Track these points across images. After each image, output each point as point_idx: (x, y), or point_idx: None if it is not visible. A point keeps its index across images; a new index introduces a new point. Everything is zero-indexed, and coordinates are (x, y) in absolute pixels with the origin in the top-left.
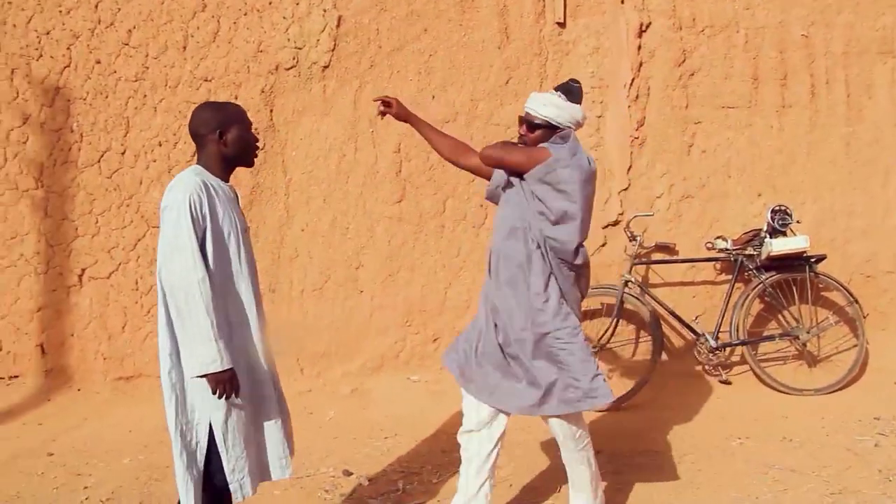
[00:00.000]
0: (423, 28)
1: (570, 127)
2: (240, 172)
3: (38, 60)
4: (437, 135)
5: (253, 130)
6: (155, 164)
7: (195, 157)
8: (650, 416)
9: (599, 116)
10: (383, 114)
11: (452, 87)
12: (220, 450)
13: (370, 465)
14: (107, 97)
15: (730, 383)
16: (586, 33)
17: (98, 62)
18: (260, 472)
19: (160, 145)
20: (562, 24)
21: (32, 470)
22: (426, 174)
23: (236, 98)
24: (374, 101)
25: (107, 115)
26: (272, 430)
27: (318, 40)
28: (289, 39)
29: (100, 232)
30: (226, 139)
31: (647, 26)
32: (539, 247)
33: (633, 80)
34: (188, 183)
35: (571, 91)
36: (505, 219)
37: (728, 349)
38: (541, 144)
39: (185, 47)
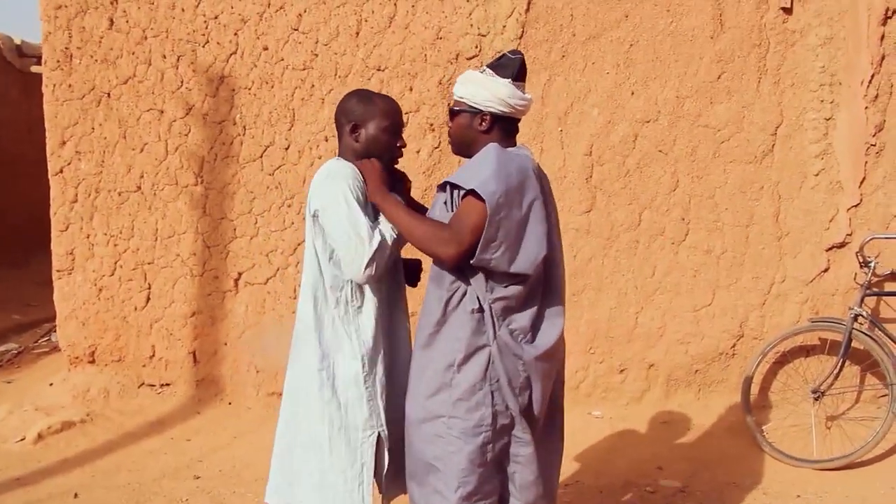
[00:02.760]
0: (624, 13)
1: (493, 110)
2: (410, 171)
3: (204, 47)
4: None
5: (401, 134)
6: (320, 160)
7: None
8: (885, 480)
9: (829, 119)
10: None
11: (655, 81)
12: (383, 464)
13: None
14: (272, 87)
15: None
16: (817, 21)
17: (265, 49)
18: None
19: (326, 140)
20: (788, 10)
21: (177, 495)
22: (621, 181)
23: (411, 90)
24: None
25: (271, 107)
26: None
27: (505, 26)
28: (471, 25)
29: (259, 233)
30: (358, 134)
31: (895, 12)
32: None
33: (872, 76)
34: (341, 171)
35: (503, 65)
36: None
37: None
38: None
39: (357, 33)
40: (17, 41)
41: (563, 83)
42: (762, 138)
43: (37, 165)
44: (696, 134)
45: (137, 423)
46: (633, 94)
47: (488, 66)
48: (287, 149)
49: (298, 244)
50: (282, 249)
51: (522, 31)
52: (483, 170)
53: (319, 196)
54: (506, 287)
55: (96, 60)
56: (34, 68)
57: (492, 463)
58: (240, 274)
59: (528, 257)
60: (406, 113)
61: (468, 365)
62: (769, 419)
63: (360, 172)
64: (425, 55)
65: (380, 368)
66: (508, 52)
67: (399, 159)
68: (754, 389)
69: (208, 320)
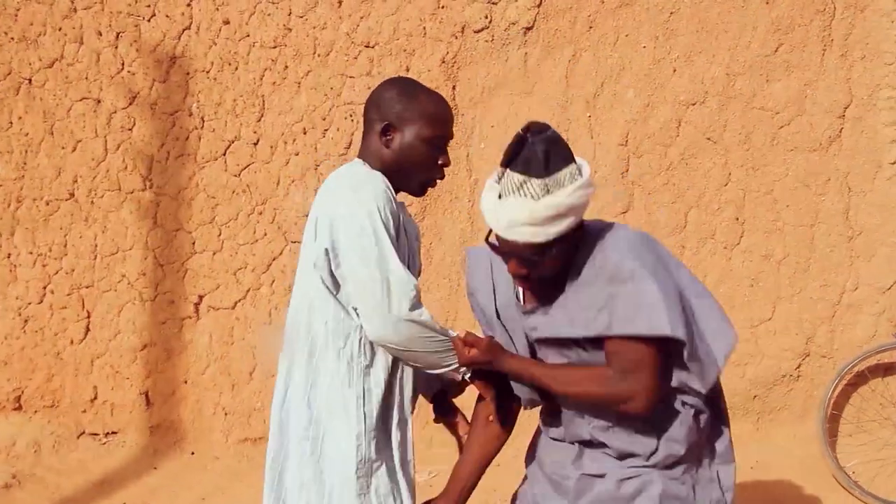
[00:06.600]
0: None
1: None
2: None
3: (149, 21)
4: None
5: (447, 148)
6: (297, 157)
7: (349, 149)
8: None
9: None
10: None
11: (701, 56)
12: None
13: None
14: (236, 69)
15: None
16: None
17: (226, 22)
18: None
19: (305, 133)
20: None
21: None
22: (662, 175)
23: (407, 70)
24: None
25: (235, 93)
26: None
27: None
28: None
29: (223, 247)
30: (391, 138)
31: None
32: None
33: None
34: (367, 183)
35: (556, 156)
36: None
37: None
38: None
39: (340, 2)
40: None
41: (590, 60)
42: (828, 121)
43: None
44: (750, 118)
45: (77, 483)
46: (674, 71)
47: (539, 177)
48: (256, 144)
49: (273, 259)
50: (252, 266)
51: None
52: (642, 299)
53: (336, 219)
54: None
55: (12, 38)
56: None
57: None
58: (201, 297)
59: (721, 351)
60: None
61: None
62: (853, 454)
63: (459, 347)
64: (424, 28)
65: (391, 455)
66: (531, 138)
67: (438, 181)
68: (832, 418)
69: (163, 354)
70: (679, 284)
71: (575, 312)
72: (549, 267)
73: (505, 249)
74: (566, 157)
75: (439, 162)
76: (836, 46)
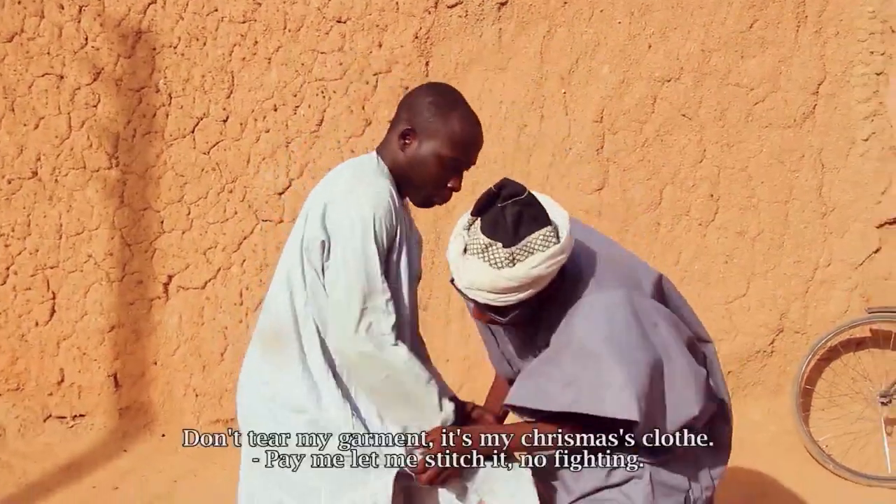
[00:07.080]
0: None
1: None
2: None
3: None
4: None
5: (462, 173)
6: (268, 134)
7: (321, 126)
8: None
9: (880, 74)
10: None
11: (676, 32)
12: None
13: None
14: (204, 44)
15: None
16: None
17: None
18: None
19: (275, 110)
20: None
21: None
22: (638, 152)
23: (380, 46)
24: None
25: (204, 69)
26: None
27: None
28: None
29: (193, 226)
30: (407, 143)
31: None
32: None
33: None
34: (372, 185)
35: (531, 218)
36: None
37: None
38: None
39: None
40: None
41: (565, 35)
42: (802, 98)
43: None
44: (725, 94)
45: (45, 468)
46: (650, 47)
47: (506, 245)
48: (225, 121)
49: (244, 238)
50: (223, 245)
51: None
52: (608, 381)
53: (332, 214)
54: None
55: None
56: None
57: None
58: (170, 277)
59: (674, 422)
60: (375, 75)
61: None
62: (826, 428)
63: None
64: (397, 3)
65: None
66: (501, 202)
67: (440, 204)
68: (805, 393)
69: (132, 335)
70: (656, 349)
71: (543, 383)
72: (509, 321)
73: (466, 298)
74: (540, 220)
75: (449, 184)
76: (810, 23)
